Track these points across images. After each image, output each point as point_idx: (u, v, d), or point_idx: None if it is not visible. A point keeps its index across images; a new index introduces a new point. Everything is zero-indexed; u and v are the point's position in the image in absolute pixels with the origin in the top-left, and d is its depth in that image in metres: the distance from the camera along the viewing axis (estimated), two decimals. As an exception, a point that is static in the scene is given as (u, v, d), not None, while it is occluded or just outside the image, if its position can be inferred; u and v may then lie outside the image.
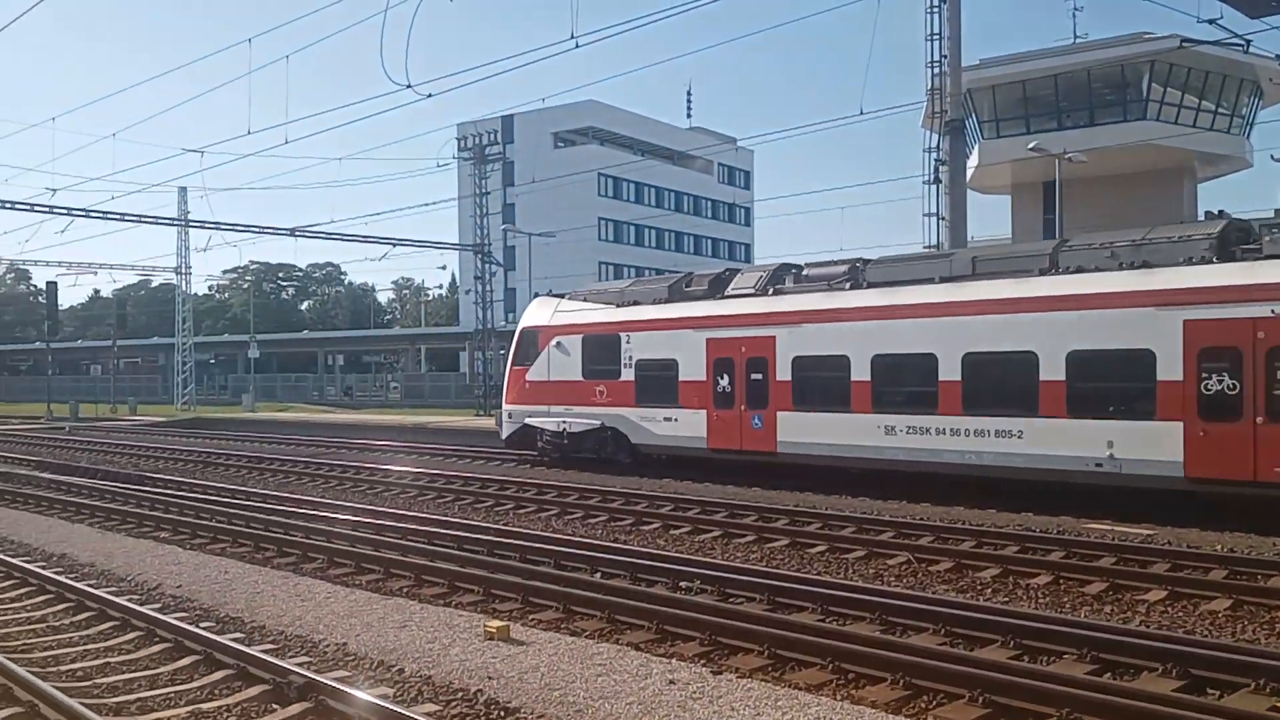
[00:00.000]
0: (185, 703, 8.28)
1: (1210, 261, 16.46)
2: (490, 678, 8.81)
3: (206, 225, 57.40)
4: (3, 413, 62.65)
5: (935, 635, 9.72)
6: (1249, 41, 25.86)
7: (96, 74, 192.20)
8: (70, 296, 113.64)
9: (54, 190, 78.02)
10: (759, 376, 21.55)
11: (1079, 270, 17.74)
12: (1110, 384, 17.01)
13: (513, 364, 27.16)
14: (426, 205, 78.95)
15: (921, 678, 8.26)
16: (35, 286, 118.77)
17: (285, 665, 8.58)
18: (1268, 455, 15.21)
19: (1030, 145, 34.72)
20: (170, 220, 58.20)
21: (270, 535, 15.64)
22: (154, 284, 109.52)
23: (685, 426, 22.89)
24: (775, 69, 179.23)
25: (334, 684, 8.11)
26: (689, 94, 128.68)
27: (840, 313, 20.39)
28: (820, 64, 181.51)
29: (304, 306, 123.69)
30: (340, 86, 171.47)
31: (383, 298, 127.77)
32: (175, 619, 10.39)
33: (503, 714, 7.95)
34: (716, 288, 23.51)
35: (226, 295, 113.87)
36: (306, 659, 9.38)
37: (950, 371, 18.62)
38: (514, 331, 28.05)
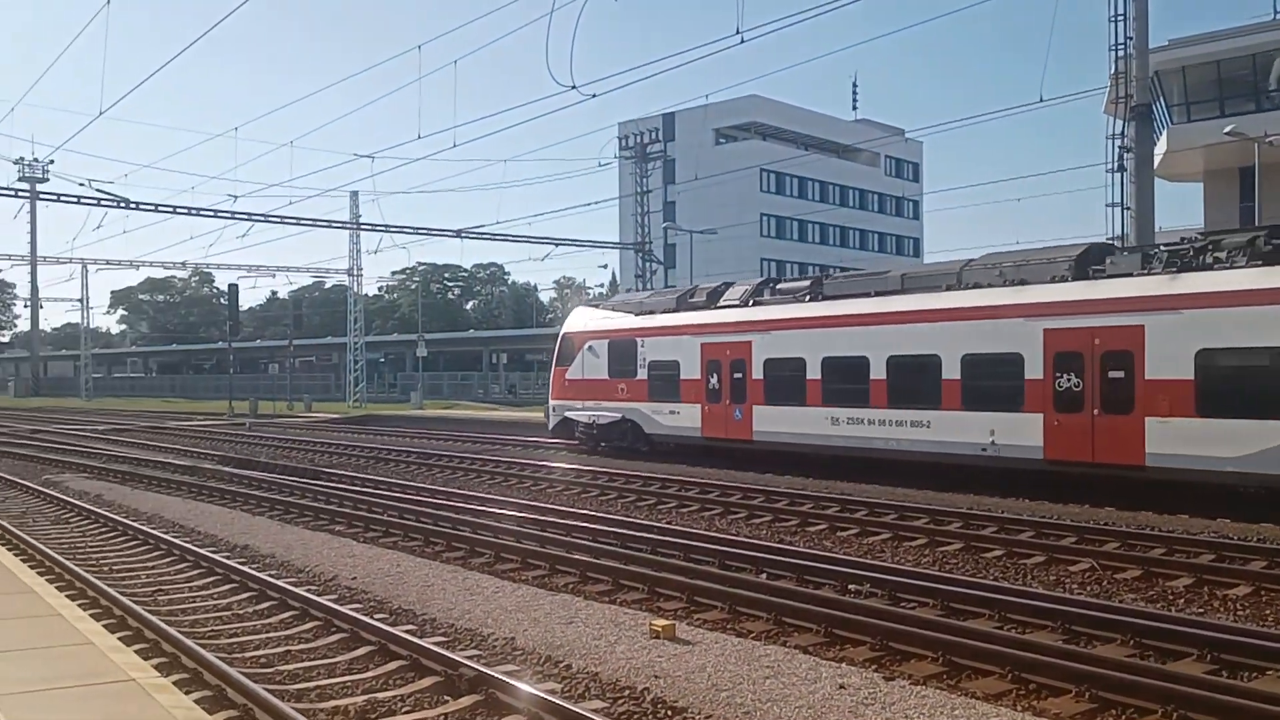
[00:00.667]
0: (361, 691, 8.46)
1: (1066, 279, 19.28)
2: (657, 676, 8.71)
3: (377, 228, 59.72)
4: (188, 410, 66.29)
5: (1123, 646, 9.18)
6: None
7: (276, 85, 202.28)
8: (249, 298, 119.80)
9: (235, 197, 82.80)
10: (740, 376, 25.00)
11: (974, 286, 20.75)
12: (993, 382, 19.88)
13: (555, 365, 31.09)
14: (588, 205, 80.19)
15: (1110, 690, 7.83)
16: (217, 289, 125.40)
17: (456, 658, 8.67)
18: (1102, 441, 18.18)
19: (1227, 129, 32.57)
20: (343, 224, 60.60)
21: (439, 530, 15.96)
22: (327, 285, 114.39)
23: (685, 418, 26.52)
24: (947, 56, 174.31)
25: (504, 678, 8.15)
26: (855, 86, 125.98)
27: (798, 321, 23.81)
28: (996, 50, 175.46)
29: (469, 306, 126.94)
30: (507, 89, 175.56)
31: (545, 297, 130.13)
32: (351, 610, 10.67)
33: (670, 713, 7.85)
34: (712, 299, 27.03)
35: (395, 296, 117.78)
36: (476, 652, 9.48)
37: (878, 371, 21.85)
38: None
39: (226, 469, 26.04)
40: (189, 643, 9.20)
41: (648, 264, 52.40)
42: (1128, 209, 29.15)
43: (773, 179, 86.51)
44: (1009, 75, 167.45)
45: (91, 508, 18.92)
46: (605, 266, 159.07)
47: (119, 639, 8.56)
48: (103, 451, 32.27)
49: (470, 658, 8.89)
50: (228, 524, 17.67)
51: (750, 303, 25.66)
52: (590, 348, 29.51)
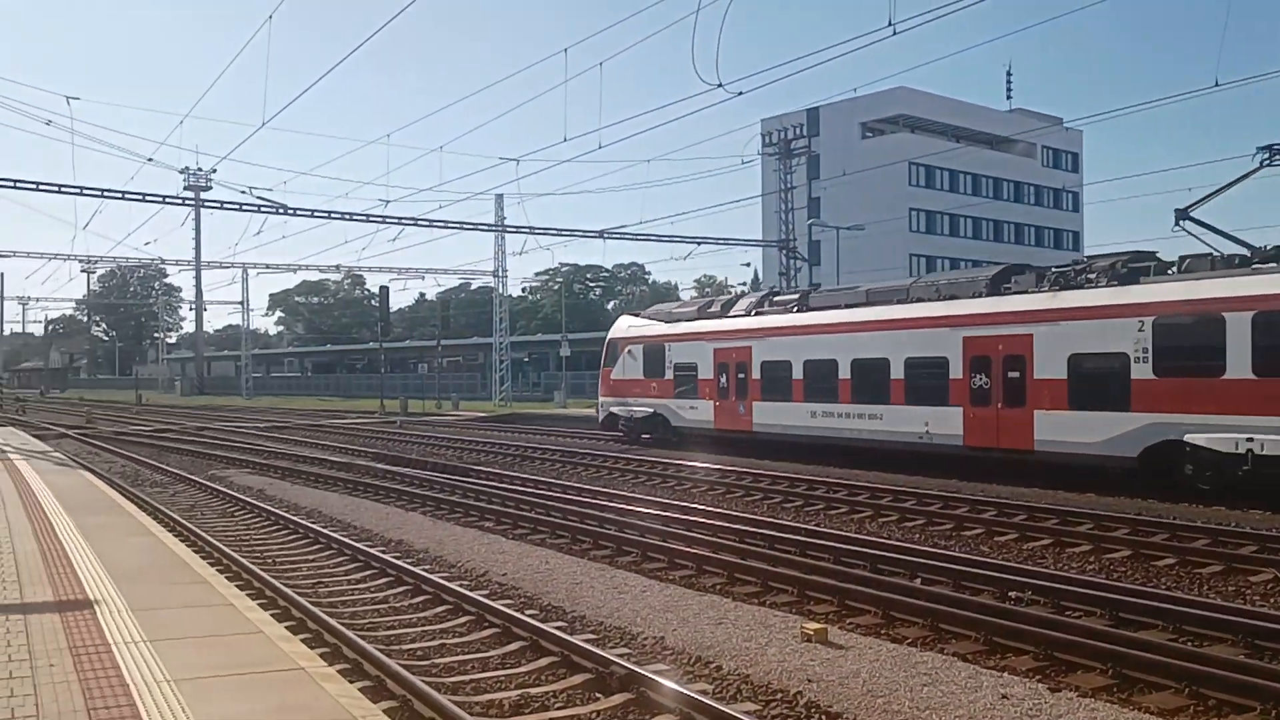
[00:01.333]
0: (515, 686, 8.55)
1: (982, 295, 22.87)
2: (810, 680, 8.55)
3: (521, 230, 60.68)
4: (341, 408, 68.59)
5: (1316, 665, 8.56)
6: None
7: (426, 92, 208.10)
8: (399, 300, 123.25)
9: (387, 201, 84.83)
10: (743, 376, 28.96)
11: (917, 300, 24.53)
12: (927, 381, 23.33)
13: (603, 366, 35.59)
14: (731, 203, 80.00)
15: (1302, 710, 7.30)
16: (369, 291, 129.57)
17: (607, 655, 8.68)
18: (1004, 430, 21.67)
19: None
20: (489, 226, 61.81)
21: (586, 528, 16.07)
22: (473, 286, 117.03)
23: (702, 413, 30.57)
24: (1109, 40, 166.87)
25: (655, 677, 8.11)
26: (1009, 74, 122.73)
27: (786, 329, 27.70)
28: (1161, 32, 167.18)
29: (610, 306, 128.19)
30: (651, 90, 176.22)
31: (686, 296, 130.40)
32: (503, 605, 10.81)
33: (824, 718, 7.70)
34: (725, 309, 31.33)
35: (539, 296, 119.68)
36: (626, 650, 9.48)
37: (845, 372, 25.55)
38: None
39: (380, 466, 26.82)
40: (350, 634, 9.47)
41: (791, 261, 51.82)
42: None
43: (922, 172, 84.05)
44: (1177, 60, 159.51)
45: (255, 502, 19.72)
46: (748, 265, 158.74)
47: (285, 628, 8.84)
48: (264, 448, 33.66)
49: (620, 656, 8.89)
50: (383, 519, 18.17)
51: (753, 313, 29.70)
52: (629, 351, 33.80)
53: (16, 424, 47.19)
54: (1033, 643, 9.13)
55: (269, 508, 18.83)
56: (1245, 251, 19.42)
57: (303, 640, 8.76)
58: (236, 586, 10.75)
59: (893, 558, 12.96)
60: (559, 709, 8.00)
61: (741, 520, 16.52)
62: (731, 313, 30.62)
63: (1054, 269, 22.30)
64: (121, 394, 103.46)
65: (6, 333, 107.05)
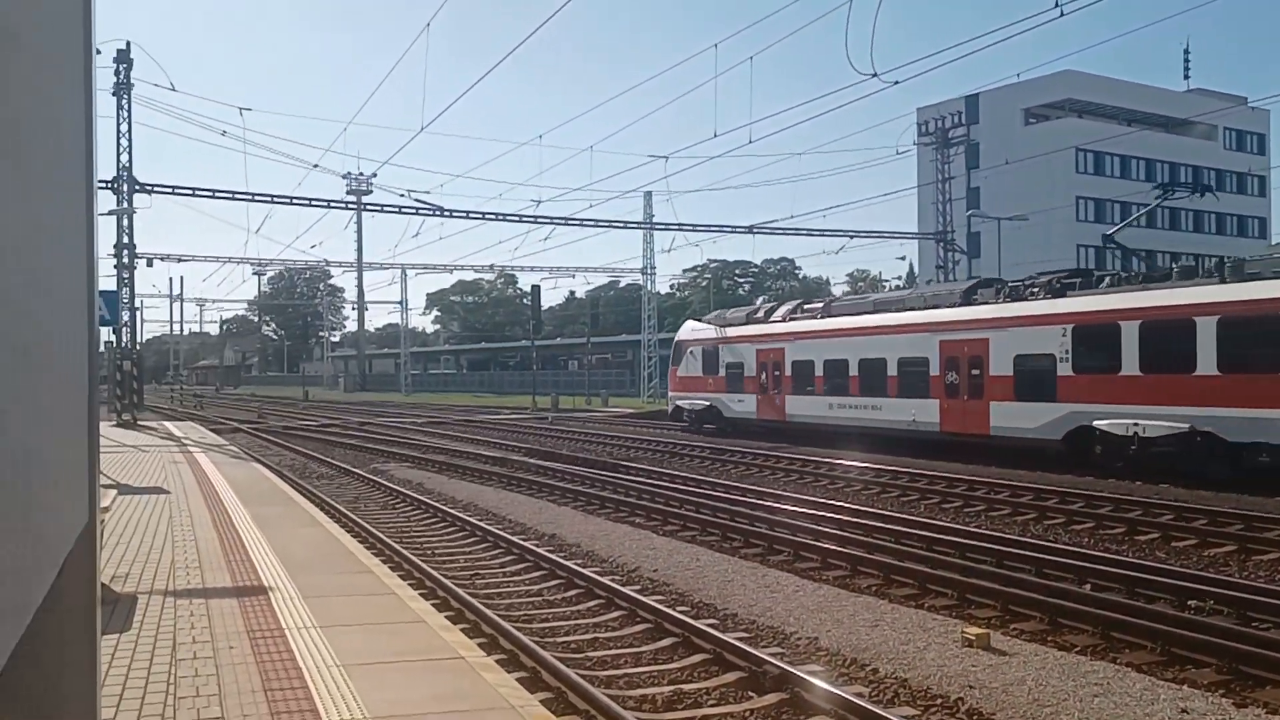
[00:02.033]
0: (668, 682, 8.55)
1: (955, 305, 27.35)
2: (971, 686, 8.29)
3: (670, 227, 60.91)
4: (495, 404, 70.10)
5: None
6: None
7: (577, 93, 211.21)
8: (550, 298, 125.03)
9: (538, 202, 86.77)
10: (778, 373, 33.80)
11: (908, 309, 29.12)
12: (914, 378, 27.84)
13: (671, 365, 41.07)
14: (884, 195, 78.53)
15: None
16: (521, 290, 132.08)
17: (760, 654, 8.60)
18: (969, 418, 25.98)
19: None
20: (637, 224, 62.24)
21: (736, 526, 15.99)
22: (622, 284, 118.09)
23: (747, 405, 35.56)
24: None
25: (808, 677, 8.00)
26: (1186, 53, 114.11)
27: (811, 333, 32.62)
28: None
29: (758, 301, 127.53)
30: (803, 82, 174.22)
31: (838, 291, 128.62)
32: (654, 601, 10.84)
33: (988, 728, 7.45)
34: (767, 315, 36.20)
35: (687, 293, 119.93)
36: (779, 650, 9.38)
37: (854, 370, 30.28)
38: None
39: (532, 461, 27.29)
40: (506, 625, 9.64)
41: (949, 254, 50.47)
42: None
43: (1090, 158, 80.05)
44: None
45: (415, 495, 20.32)
46: (902, 258, 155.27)
47: (445, 618, 9.06)
48: (422, 443, 34.68)
49: (774, 655, 8.79)
50: (536, 513, 18.47)
51: (787, 319, 34.67)
52: (691, 352, 38.98)
53: (195, 419, 49.92)
54: (1215, 655, 8.65)
55: (428, 500, 19.37)
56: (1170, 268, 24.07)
57: (461, 630, 8.96)
58: (399, 576, 11.07)
59: (1060, 561, 12.46)
60: (712, 706, 7.96)
61: (897, 520, 16.16)
62: (771, 319, 35.62)
63: (1010, 282, 27.17)
64: (289, 390, 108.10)
65: (186, 333, 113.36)
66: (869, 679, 8.65)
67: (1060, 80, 75.87)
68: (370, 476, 24.01)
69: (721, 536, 15.60)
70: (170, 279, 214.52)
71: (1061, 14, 20.74)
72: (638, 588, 12.02)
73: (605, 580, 11.92)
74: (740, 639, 9.37)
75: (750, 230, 56.39)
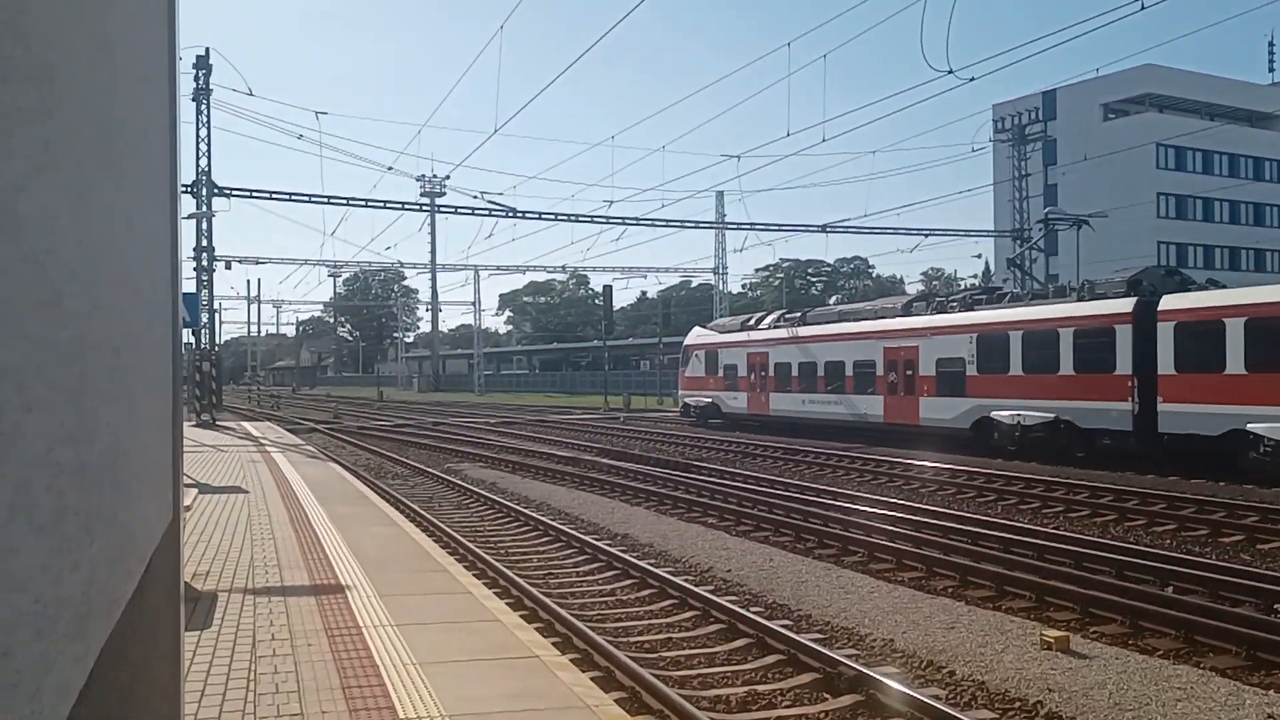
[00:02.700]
0: (742, 682, 8.52)
1: (896, 316, 32.80)
2: (1050, 689, 8.14)
3: (742, 226, 60.75)
4: (566, 404, 70.50)
5: None
6: None
7: (650, 93, 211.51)
8: (621, 298, 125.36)
9: (611, 202, 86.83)
10: (764, 374, 39.15)
11: (862, 319, 34.62)
12: (865, 379, 33.10)
13: (680, 367, 46.48)
14: (960, 193, 77.47)
15: None
16: (593, 290, 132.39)
17: (835, 656, 8.54)
18: (904, 412, 31.14)
19: None
20: (709, 224, 62.15)
21: (809, 526, 15.88)
22: (693, 284, 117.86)
23: (740, 402, 40.88)
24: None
25: (884, 679, 7.92)
26: (1270, 45, 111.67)
27: (788, 339, 37.86)
28: None
29: (832, 300, 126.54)
30: (877, 80, 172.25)
31: (913, 290, 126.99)
32: (727, 602, 10.81)
33: (1068, 733, 7.30)
34: (757, 324, 41.27)
35: (759, 293, 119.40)
36: (854, 651, 9.30)
37: (821, 371, 35.57)
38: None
39: (605, 461, 27.37)
40: (580, 625, 9.68)
41: (1027, 252, 49.49)
42: None
43: (1171, 154, 78.04)
44: None
45: (488, 494, 20.51)
46: (978, 256, 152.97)
47: (520, 617, 9.13)
48: (494, 443, 34.97)
49: (849, 656, 8.72)
50: (608, 513, 18.52)
51: (772, 327, 39.80)
52: (696, 355, 44.20)
53: (272, 419, 50.93)
54: (1305, 661, 8.40)
55: (501, 500, 19.53)
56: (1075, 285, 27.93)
57: (536, 629, 9.02)
58: (473, 575, 11.18)
59: (1141, 564, 12.18)
60: (787, 707, 7.92)
61: (973, 522, 15.92)
62: (760, 326, 40.93)
63: (936, 298, 33.34)
64: (364, 391, 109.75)
65: (263, 334, 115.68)
66: (945, 681, 8.53)
67: (1140, 75, 74.14)
68: (444, 476, 24.27)
69: (795, 537, 15.51)
70: (248, 281, 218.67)
71: (1143, 7, 20.25)
72: (711, 588, 11.99)
73: (678, 580, 11.91)
74: (815, 640, 9.31)
75: (823, 229, 56.00)
